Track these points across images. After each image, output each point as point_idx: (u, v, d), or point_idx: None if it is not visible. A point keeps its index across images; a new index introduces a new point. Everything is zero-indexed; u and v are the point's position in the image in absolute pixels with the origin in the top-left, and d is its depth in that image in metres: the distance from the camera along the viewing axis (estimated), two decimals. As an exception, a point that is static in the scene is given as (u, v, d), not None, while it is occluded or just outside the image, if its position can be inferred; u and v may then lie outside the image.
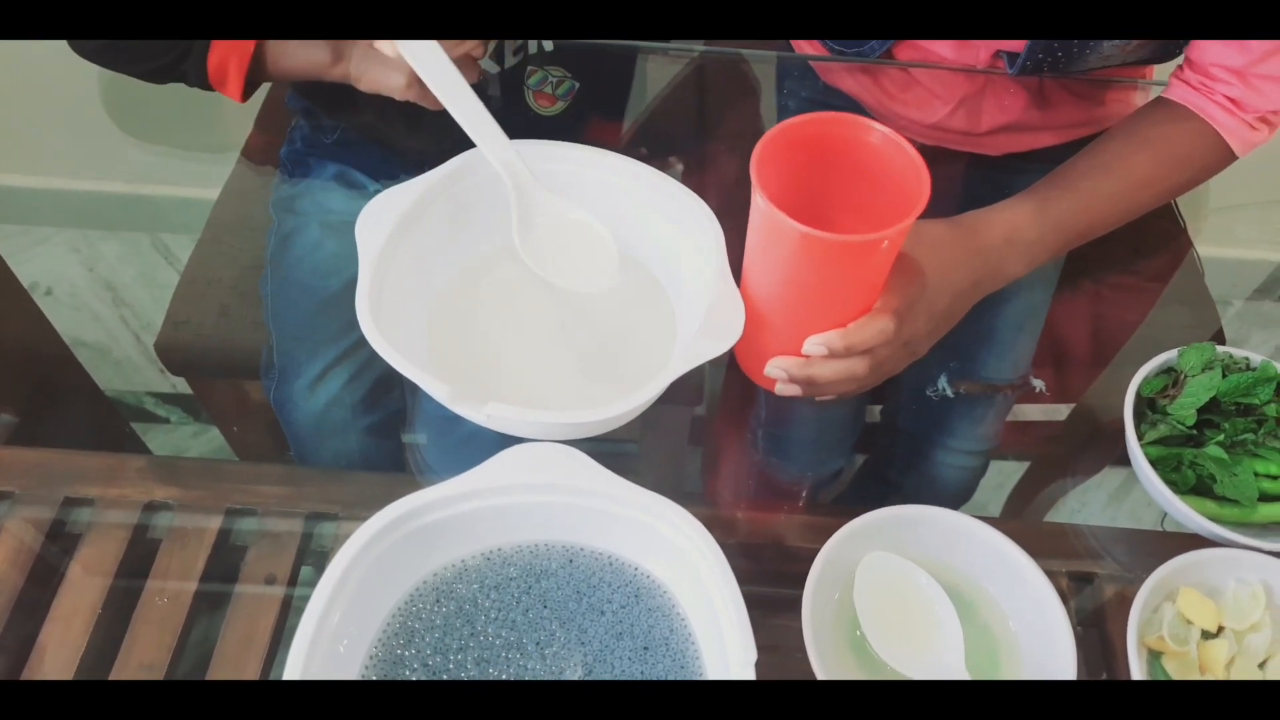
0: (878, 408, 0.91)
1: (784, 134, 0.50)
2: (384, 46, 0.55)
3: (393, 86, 0.64)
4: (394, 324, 0.53)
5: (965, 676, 0.48)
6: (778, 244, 0.50)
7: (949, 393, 0.80)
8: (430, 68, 0.53)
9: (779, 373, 0.55)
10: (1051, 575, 0.56)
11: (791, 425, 0.83)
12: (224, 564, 0.60)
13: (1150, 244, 0.94)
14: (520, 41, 0.78)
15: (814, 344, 0.53)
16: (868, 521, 0.51)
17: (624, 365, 0.59)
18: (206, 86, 0.69)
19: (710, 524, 0.54)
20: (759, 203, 0.49)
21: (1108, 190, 0.63)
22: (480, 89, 0.80)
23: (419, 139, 0.80)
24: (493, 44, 0.77)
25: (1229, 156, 0.65)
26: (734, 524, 0.62)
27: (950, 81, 0.78)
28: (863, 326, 0.52)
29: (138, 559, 0.59)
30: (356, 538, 0.44)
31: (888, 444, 0.91)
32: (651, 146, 0.91)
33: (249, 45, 0.66)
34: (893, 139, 0.50)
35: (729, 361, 0.89)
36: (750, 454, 0.88)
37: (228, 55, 0.66)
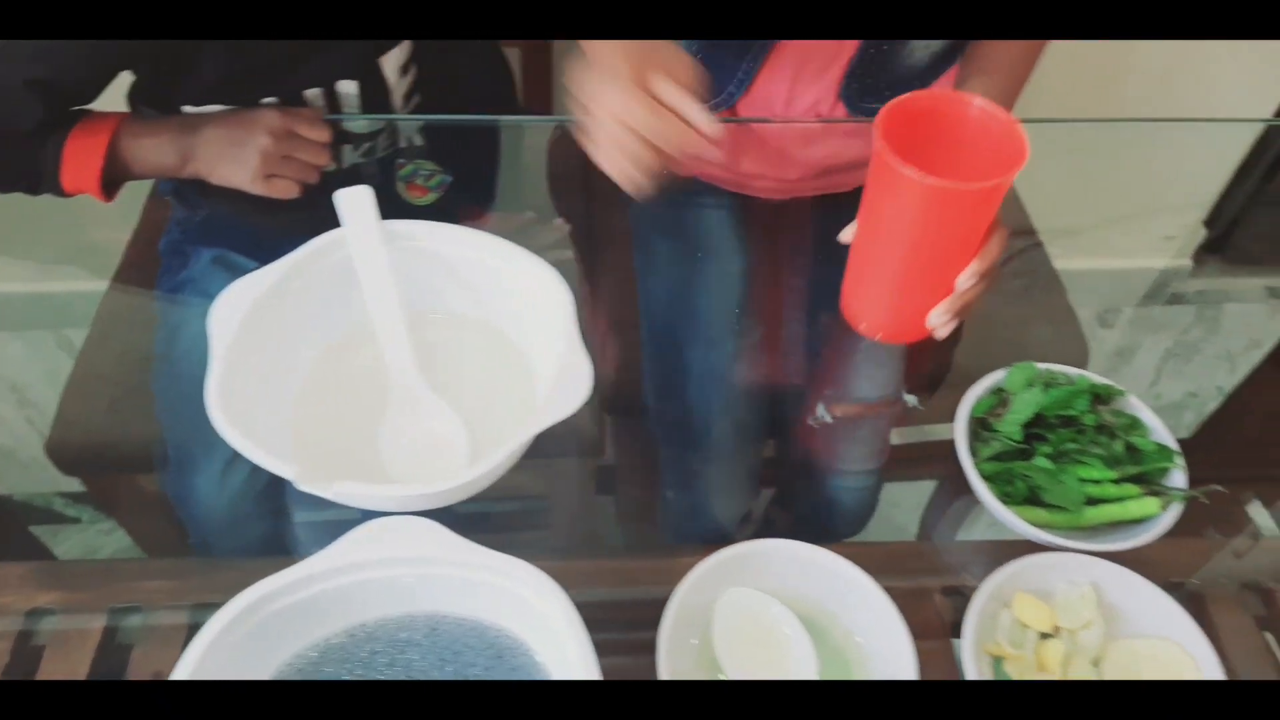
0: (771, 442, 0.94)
1: (901, 106, 0.58)
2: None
3: (241, 181, 0.67)
4: (254, 410, 0.55)
5: (818, 701, 0.50)
6: (904, 201, 0.56)
7: (828, 418, 0.83)
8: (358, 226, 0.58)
9: (942, 318, 0.62)
10: (915, 593, 0.59)
11: (697, 473, 0.86)
12: (109, 664, 0.60)
13: (1015, 267, 1.01)
14: (389, 135, 0.82)
15: (967, 276, 0.60)
16: (719, 560, 0.53)
17: (489, 431, 0.61)
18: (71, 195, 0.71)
19: (574, 576, 0.56)
20: (890, 163, 0.55)
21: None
22: (354, 177, 0.82)
23: (286, 213, 0.82)
24: (366, 143, 0.80)
25: None
26: (597, 574, 0.64)
27: (797, 134, 0.83)
28: (997, 243, 0.61)
29: (21, 668, 0.59)
30: (207, 630, 0.45)
31: (786, 478, 0.94)
32: (539, 210, 0.94)
33: (96, 163, 0.68)
34: (988, 108, 0.58)
35: (634, 412, 0.92)
36: (659, 502, 0.91)
37: (79, 176, 0.68)
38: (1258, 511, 0.84)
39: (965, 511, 0.83)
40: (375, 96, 0.77)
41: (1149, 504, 0.56)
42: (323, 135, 0.68)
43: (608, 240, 1.02)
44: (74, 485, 1.21)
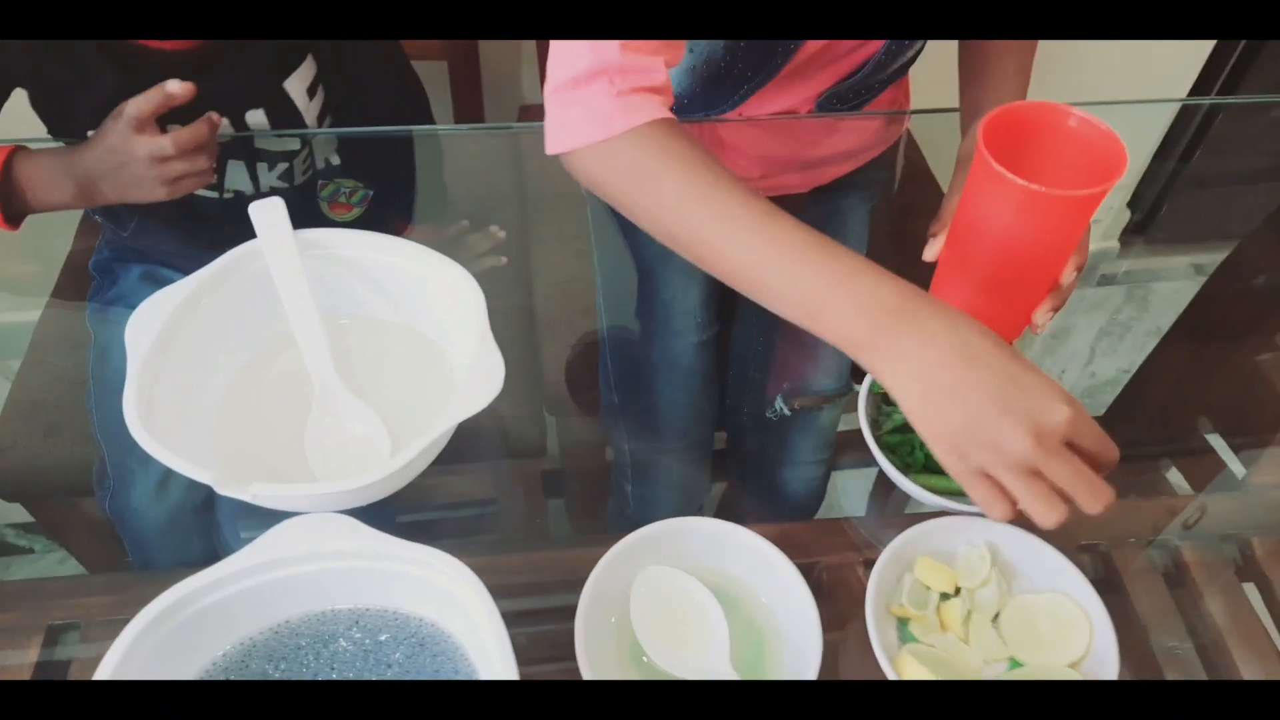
0: (722, 434, 0.97)
1: (1001, 116, 0.59)
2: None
3: (153, 197, 0.68)
4: (174, 419, 0.56)
5: (729, 669, 0.52)
6: (1010, 209, 0.57)
7: (786, 411, 0.86)
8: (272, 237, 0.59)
9: (1047, 315, 0.64)
10: (838, 567, 0.62)
11: (649, 469, 0.88)
12: (48, 681, 0.60)
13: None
14: (307, 158, 0.83)
15: (1070, 271, 0.62)
16: (635, 540, 0.55)
17: (411, 431, 0.63)
18: None
19: (504, 568, 0.57)
20: (997, 172, 0.55)
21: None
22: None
23: (212, 228, 0.83)
24: (281, 163, 0.81)
25: None
26: (527, 565, 0.66)
27: (756, 131, 0.85)
28: (1088, 240, 0.63)
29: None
30: (125, 634, 0.46)
31: (737, 469, 0.96)
32: (474, 218, 0.96)
33: None
34: (1088, 119, 0.59)
35: (575, 412, 0.94)
36: (609, 499, 0.93)
37: None
38: (1175, 476, 0.88)
39: (906, 497, 0.86)
40: (287, 123, 0.78)
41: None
42: (174, 99, 0.67)
43: (543, 247, 1.04)
44: (23, 515, 1.21)
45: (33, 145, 0.74)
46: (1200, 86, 1.54)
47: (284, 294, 0.61)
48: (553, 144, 0.60)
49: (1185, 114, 1.42)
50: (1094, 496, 0.48)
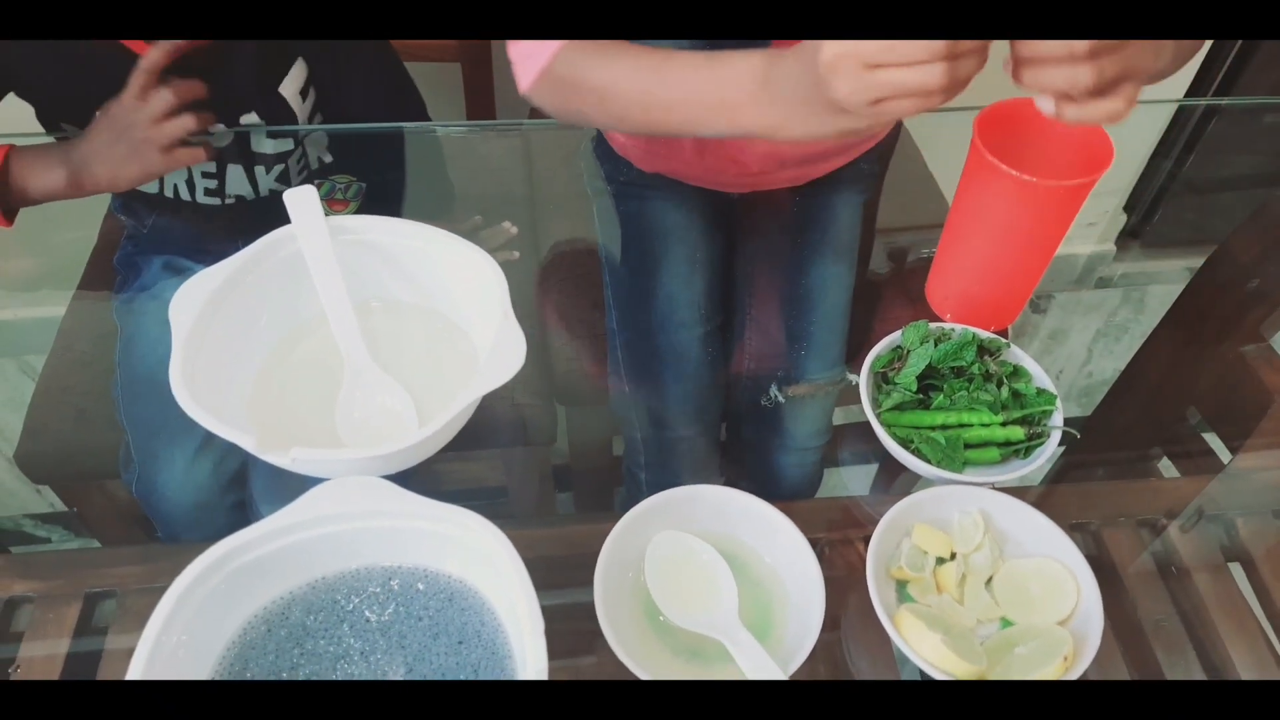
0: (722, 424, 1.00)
1: (994, 111, 0.62)
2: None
3: (152, 165, 0.71)
4: (215, 392, 0.60)
5: (738, 626, 0.56)
6: (1002, 198, 0.61)
7: (780, 399, 0.89)
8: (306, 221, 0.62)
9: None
10: (841, 541, 0.65)
11: (661, 455, 0.91)
12: (86, 647, 0.63)
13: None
14: (301, 158, 0.86)
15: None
16: (649, 506, 0.59)
17: (437, 405, 0.66)
18: None
19: (527, 540, 0.60)
20: (990, 163, 0.59)
21: None
22: (273, 200, 0.86)
23: (226, 217, 0.86)
24: (277, 165, 0.84)
25: None
26: (547, 538, 0.69)
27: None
28: None
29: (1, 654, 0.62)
30: (175, 586, 0.49)
31: (736, 455, 0.99)
32: (486, 214, 0.99)
33: None
34: None
35: (584, 402, 0.97)
36: (622, 486, 0.96)
37: None
38: (1164, 462, 0.91)
39: (910, 485, 0.89)
40: (282, 123, 0.82)
41: (1015, 431, 0.63)
42: (181, 49, 0.69)
43: (553, 242, 1.07)
44: (41, 505, 1.24)
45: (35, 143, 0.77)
46: (1196, 88, 1.57)
47: (316, 276, 0.65)
48: (519, 86, 0.65)
49: (1181, 115, 1.45)
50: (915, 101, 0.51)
